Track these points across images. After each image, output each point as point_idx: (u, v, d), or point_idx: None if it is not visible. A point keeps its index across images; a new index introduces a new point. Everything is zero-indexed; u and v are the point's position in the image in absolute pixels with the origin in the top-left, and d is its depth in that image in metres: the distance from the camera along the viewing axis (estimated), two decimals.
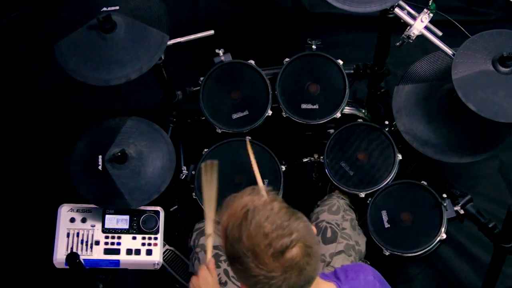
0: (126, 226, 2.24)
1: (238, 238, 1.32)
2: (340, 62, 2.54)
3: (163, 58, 2.28)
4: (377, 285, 1.60)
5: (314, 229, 1.41)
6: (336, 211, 2.31)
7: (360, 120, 2.54)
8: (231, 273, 2.12)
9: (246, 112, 2.52)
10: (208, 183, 1.84)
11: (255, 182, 1.98)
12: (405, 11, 2.22)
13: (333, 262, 2.15)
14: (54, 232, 2.22)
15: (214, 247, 2.18)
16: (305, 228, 1.34)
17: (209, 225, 1.83)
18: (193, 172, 2.45)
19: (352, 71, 2.66)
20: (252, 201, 1.36)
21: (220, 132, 2.49)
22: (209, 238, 1.82)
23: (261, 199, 1.36)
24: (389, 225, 2.34)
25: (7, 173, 2.99)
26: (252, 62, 2.56)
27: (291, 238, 1.31)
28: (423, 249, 2.30)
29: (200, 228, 2.29)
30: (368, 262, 2.34)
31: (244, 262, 1.32)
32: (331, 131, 2.51)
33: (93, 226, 2.22)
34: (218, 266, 2.13)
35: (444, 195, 2.37)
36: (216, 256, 2.16)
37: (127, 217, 2.25)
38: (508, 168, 2.91)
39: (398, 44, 2.25)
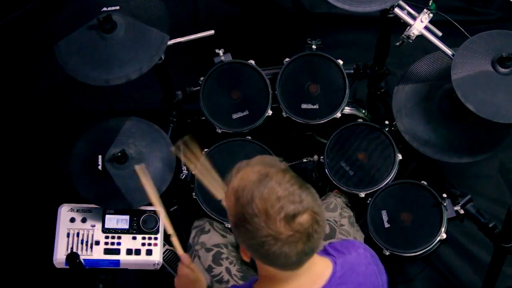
0: (126, 226, 2.23)
1: (251, 199, 1.35)
2: (340, 62, 2.54)
3: (163, 58, 2.28)
4: (368, 257, 1.62)
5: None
6: (333, 209, 2.32)
7: (360, 120, 2.54)
8: (233, 271, 2.13)
9: (246, 112, 2.52)
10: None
11: None
12: (405, 11, 2.22)
13: None
14: (54, 232, 2.21)
15: (215, 246, 2.20)
16: (314, 198, 1.41)
17: (169, 226, 1.86)
18: (193, 172, 2.45)
19: (352, 71, 2.66)
20: (265, 168, 1.40)
21: (220, 132, 2.49)
22: (174, 237, 1.84)
23: (274, 168, 1.41)
24: (389, 225, 2.34)
25: (7, 173, 2.99)
26: (252, 62, 2.56)
27: (302, 205, 1.36)
28: (423, 249, 2.30)
29: (199, 225, 2.30)
30: None
31: (254, 223, 1.34)
32: None
33: (93, 226, 2.22)
34: (220, 265, 2.15)
35: (444, 195, 2.37)
36: (217, 254, 2.18)
37: (127, 217, 2.24)
38: (508, 168, 2.90)
39: (398, 44, 2.25)
